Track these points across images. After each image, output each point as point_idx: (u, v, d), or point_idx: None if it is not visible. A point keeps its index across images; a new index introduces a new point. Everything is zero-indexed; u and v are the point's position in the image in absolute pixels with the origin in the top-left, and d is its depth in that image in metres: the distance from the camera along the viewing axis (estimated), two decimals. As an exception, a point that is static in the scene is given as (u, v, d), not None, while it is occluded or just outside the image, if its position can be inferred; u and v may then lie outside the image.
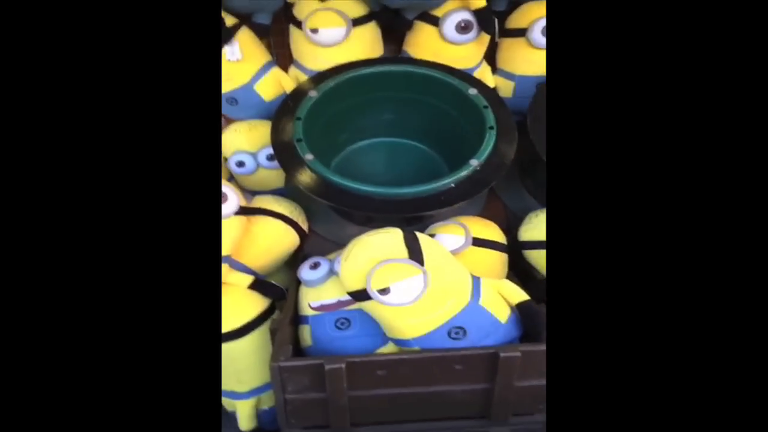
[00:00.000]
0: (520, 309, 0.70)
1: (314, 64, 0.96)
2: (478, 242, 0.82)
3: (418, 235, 0.69)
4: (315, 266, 0.76)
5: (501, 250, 0.85)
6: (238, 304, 0.75)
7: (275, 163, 0.95)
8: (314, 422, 0.66)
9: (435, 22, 0.92)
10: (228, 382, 0.77)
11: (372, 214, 0.80)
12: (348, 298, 0.70)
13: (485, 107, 0.84)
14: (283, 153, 0.83)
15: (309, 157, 0.80)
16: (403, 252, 0.65)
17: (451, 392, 0.65)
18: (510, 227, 0.90)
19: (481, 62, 0.98)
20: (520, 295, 0.70)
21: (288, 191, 0.98)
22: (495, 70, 1.01)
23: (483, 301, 0.66)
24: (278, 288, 0.80)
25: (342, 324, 0.71)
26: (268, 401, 0.79)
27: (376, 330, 0.70)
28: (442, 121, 0.93)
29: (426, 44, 0.95)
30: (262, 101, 1.00)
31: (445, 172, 0.81)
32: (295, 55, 1.00)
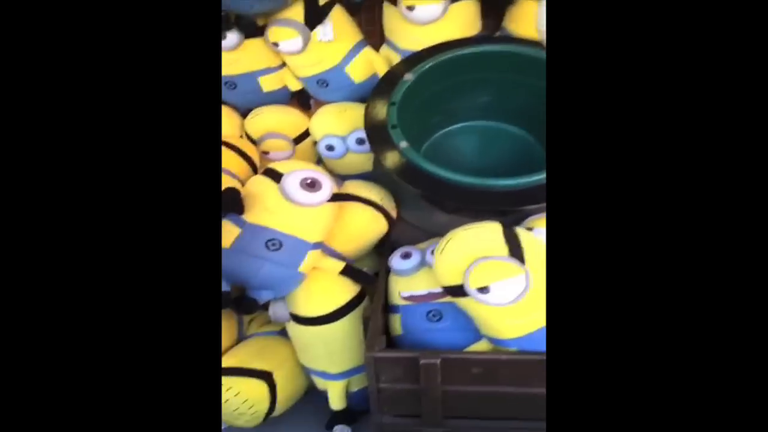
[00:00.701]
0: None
1: (408, 44, 0.95)
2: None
3: (517, 229, 0.68)
4: (406, 256, 0.78)
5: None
6: (331, 289, 0.80)
7: (364, 147, 0.97)
8: (405, 411, 0.70)
9: (539, -4, 0.87)
10: (320, 363, 0.83)
11: (464, 206, 0.79)
12: (439, 290, 0.71)
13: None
14: (376, 138, 0.84)
15: (404, 144, 0.81)
16: (503, 248, 0.65)
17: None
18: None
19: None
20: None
21: (376, 176, 1.00)
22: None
23: (589, 305, 0.64)
24: (368, 275, 0.83)
25: (434, 316, 0.73)
26: (357, 383, 0.84)
27: (468, 325, 0.70)
28: (542, 104, 0.89)
29: (529, 20, 0.90)
30: (352, 83, 1.02)
31: (543, 158, 0.78)
32: (388, 33, 1.00)
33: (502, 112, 0.97)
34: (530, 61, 0.86)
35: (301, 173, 0.78)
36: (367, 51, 1.01)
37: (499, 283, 0.62)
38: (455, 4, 0.91)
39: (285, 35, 0.94)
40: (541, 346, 0.64)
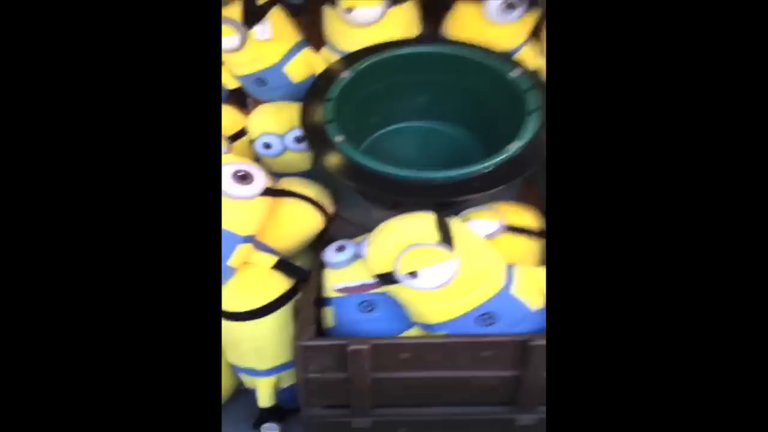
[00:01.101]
0: (554, 300, 0.70)
1: (348, 45, 0.98)
2: (513, 228, 0.83)
3: (450, 219, 0.71)
4: (340, 249, 0.78)
5: (537, 237, 0.85)
6: (261, 283, 0.79)
7: (302, 145, 0.98)
8: (335, 401, 0.69)
9: (478, 0, 0.93)
10: (249, 360, 0.80)
11: (402, 199, 0.81)
12: (372, 281, 0.72)
13: (527, 90, 0.85)
14: (313, 135, 0.86)
15: (339, 138, 0.82)
16: (435, 236, 0.67)
17: (477, 378, 0.66)
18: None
19: (525, 42, 0.98)
20: (554, 284, 0.71)
21: (314, 174, 1.01)
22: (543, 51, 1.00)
23: (515, 289, 0.67)
24: (302, 269, 0.83)
25: (366, 307, 0.73)
26: (288, 380, 0.82)
27: (400, 314, 0.71)
28: (480, 104, 0.94)
29: (467, 24, 0.96)
30: (291, 82, 1.04)
31: (480, 157, 0.82)
32: (328, 35, 1.03)
33: (439, 112, 1.01)
34: (465, 62, 0.92)
35: (233, 166, 0.78)
36: (307, 51, 1.04)
37: (427, 268, 0.64)
38: (394, 7, 0.95)
39: (222, 33, 0.94)
40: (469, 329, 0.66)
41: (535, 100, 0.84)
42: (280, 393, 0.83)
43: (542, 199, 1.00)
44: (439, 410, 0.70)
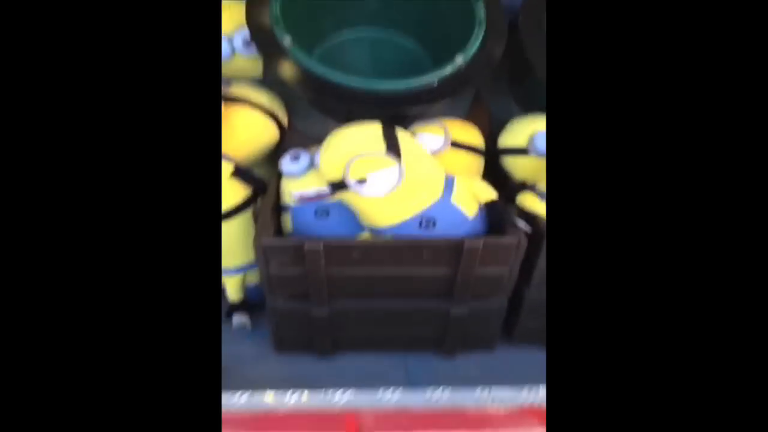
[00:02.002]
0: (487, 207, 0.80)
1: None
2: (457, 144, 0.89)
3: (397, 130, 0.76)
4: (295, 158, 0.83)
5: (478, 154, 0.93)
6: (222, 189, 0.83)
7: (252, 49, 0.96)
8: (295, 293, 0.78)
9: None
10: (214, 262, 0.88)
11: (352, 107, 0.84)
12: (326, 190, 0.78)
13: (476, 0, 0.86)
14: (261, 37, 0.83)
15: (287, 41, 0.81)
16: (381, 145, 0.72)
17: (418, 275, 0.77)
18: (493, 133, 0.97)
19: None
20: (490, 193, 0.80)
21: (267, 83, 1.01)
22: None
23: (454, 197, 0.76)
24: (259, 179, 0.88)
25: (321, 214, 0.80)
26: (253, 278, 0.91)
27: (352, 220, 0.79)
28: (432, 13, 0.94)
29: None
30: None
31: (430, 69, 0.85)
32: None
33: (392, 19, 1.00)
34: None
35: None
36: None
37: (374, 173, 0.70)
38: None
39: None
40: (413, 232, 0.75)
41: (483, 12, 0.85)
42: (246, 290, 0.92)
43: (492, 116, 1.06)
44: (387, 301, 0.81)
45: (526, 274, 0.81)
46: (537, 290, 0.83)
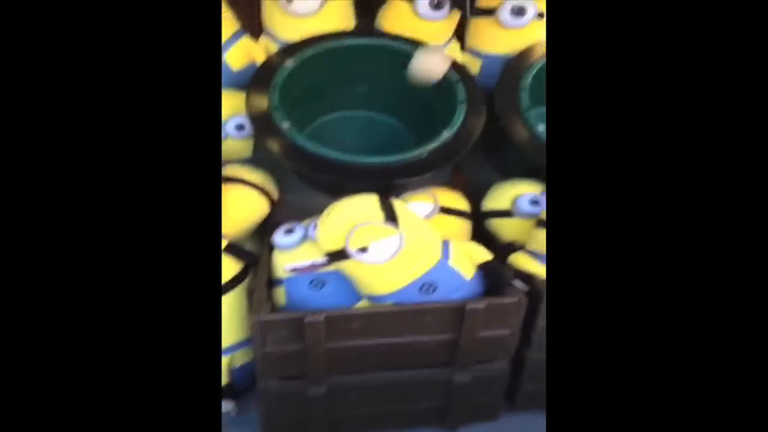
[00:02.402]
0: (484, 268, 0.79)
1: (287, 34, 0.99)
2: (445, 210, 0.91)
3: (392, 200, 0.77)
4: (289, 231, 0.81)
5: (466, 218, 0.94)
6: (214, 267, 0.80)
7: (243, 132, 0.98)
8: (290, 372, 0.73)
9: (409, -2, 0.98)
10: (203, 343, 0.81)
11: (346, 182, 0.85)
12: (321, 260, 0.76)
13: (457, 82, 0.92)
14: (258, 123, 0.87)
15: (286, 125, 0.84)
16: (380, 215, 0.72)
17: (420, 342, 0.73)
18: (472, 198, 0.99)
19: (451, 39, 1.06)
20: (484, 255, 0.80)
21: (257, 161, 1.02)
22: (464, 48, 1.09)
23: (451, 261, 0.75)
24: (251, 253, 0.85)
25: (316, 285, 0.77)
26: (240, 359, 0.84)
27: (349, 289, 0.76)
28: (414, 95, 1.00)
29: (399, 19, 1.01)
30: (230, 71, 1.02)
31: (412, 145, 0.88)
32: (268, 24, 1.03)
33: (378, 102, 1.06)
34: (403, 55, 0.97)
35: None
36: (246, 40, 1.03)
37: (376, 243, 0.69)
38: (331, 1, 0.98)
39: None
40: (413, 298, 0.73)
41: (463, 92, 0.91)
42: (233, 372, 0.84)
43: (470, 184, 1.09)
44: (387, 375, 0.76)
45: (526, 335, 0.79)
46: (538, 352, 0.80)
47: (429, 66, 0.90)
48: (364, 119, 1.08)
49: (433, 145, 0.86)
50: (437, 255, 0.74)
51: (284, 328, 0.68)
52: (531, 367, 0.82)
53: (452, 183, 1.07)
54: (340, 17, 1.01)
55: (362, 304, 0.77)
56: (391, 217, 0.72)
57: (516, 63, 0.98)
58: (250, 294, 0.79)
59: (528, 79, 0.95)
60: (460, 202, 0.96)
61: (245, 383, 0.85)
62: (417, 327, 0.72)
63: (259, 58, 1.01)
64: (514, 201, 0.95)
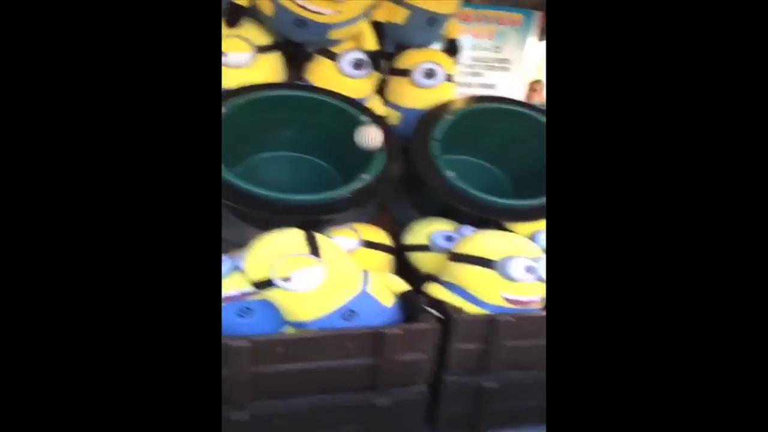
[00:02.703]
0: (402, 297, 0.85)
1: (223, 83, 1.05)
2: (368, 244, 0.97)
3: (316, 234, 0.82)
4: (219, 264, 0.83)
5: (388, 252, 1.01)
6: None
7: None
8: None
9: (333, 57, 1.09)
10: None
11: (275, 218, 0.89)
12: (249, 290, 0.78)
13: (376, 131, 1.02)
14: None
15: (216, 163, 0.88)
16: (304, 247, 0.77)
17: (343, 366, 0.77)
18: (396, 235, 1.07)
19: (372, 94, 1.17)
20: (402, 285, 0.86)
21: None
22: (386, 101, 1.20)
23: (371, 289, 0.80)
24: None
25: (244, 312, 0.79)
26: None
27: (275, 317, 0.79)
28: (336, 141, 1.08)
29: (324, 75, 1.11)
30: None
31: (337, 184, 0.96)
32: (202, 72, 1.08)
33: (305, 146, 1.13)
34: (326, 106, 1.06)
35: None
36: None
37: (299, 272, 0.73)
38: (262, 55, 1.05)
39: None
40: (336, 324, 0.76)
41: None
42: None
43: (394, 222, 1.18)
44: (312, 399, 0.78)
45: (442, 359, 0.84)
46: (454, 374, 0.86)
47: (369, 138, 0.99)
48: (294, 160, 1.14)
49: (354, 186, 0.93)
50: (358, 285, 0.80)
51: (209, 357, 0.69)
52: (449, 390, 0.87)
53: (378, 221, 1.15)
54: (271, 70, 1.09)
55: (288, 330, 0.80)
56: (314, 249, 0.77)
57: (428, 117, 1.11)
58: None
59: (438, 131, 1.07)
60: (382, 237, 1.03)
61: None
62: (339, 352, 0.75)
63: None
64: (430, 237, 1.03)
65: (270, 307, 0.78)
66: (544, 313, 0.86)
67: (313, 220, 0.92)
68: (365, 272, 0.83)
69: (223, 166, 0.88)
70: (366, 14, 1.05)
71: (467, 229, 0.99)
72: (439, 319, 0.82)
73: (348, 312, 0.78)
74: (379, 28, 1.11)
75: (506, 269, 0.83)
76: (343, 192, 0.92)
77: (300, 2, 0.94)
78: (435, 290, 0.93)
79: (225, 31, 1.02)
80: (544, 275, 0.84)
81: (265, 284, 0.74)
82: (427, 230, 1.05)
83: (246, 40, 1.03)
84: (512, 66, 1.25)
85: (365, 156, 1.00)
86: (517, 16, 1.17)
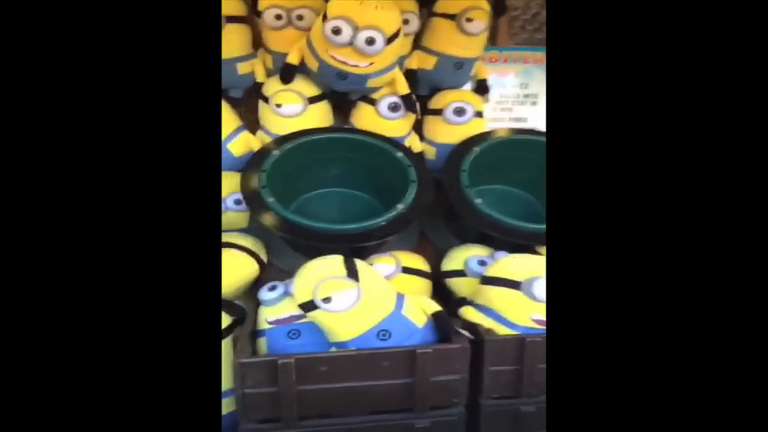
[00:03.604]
0: (434, 318, 0.85)
1: (278, 130, 1.14)
2: (407, 270, 0.99)
3: (355, 260, 0.85)
4: (272, 288, 0.89)
5: (425, 277, 1.02)
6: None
7: (241, 206, 1.10)
8: (267, 415, 0.76)
9: (372, 102, 1.15)
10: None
11: (322, 246, 0.95)
12: (299, 313, 0.83)
13: (408, 166, 1.06)
14: (250, 198, 0.99)
15: (271, 199, 0.95)
16: (343, 272, 0.80)
17: (380, 386, 0.77)
18: (436, 261, 1.08)
19: (410, 132, 1.21)
20: (434, 306, 0.86)
21: (251, 230, 1.12)
22: (422, 138, 1.24)
23: (404, 310, 0.82)
24: (239, 306, 0.91)
25: (293, 334, 0.83)
26: (227, 407, 0.87)
27: (322, 339, 0.82)
28: (379, 176, 1.13)
29: (366, 119, 1.17)
30: (232, 157, 1.16)
31: (381, 215, 0.98)
32: (262, 122, 1.18)
33: (349, 181, 1.19)
34: (366, 145, 1.11)
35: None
36: (246, 133, 1.18)
37: (337, 294, 0.77)
38: (313, 105, 1.14)
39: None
40: (372, 344, 0.78)
41: (414, 173, 1.04)
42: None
43: (436, 248, 1.19)
44: (354, 419, 0.79)
45: (476, 382, 0.82)
46: (489, 398, 0.83)
47: None
48: (341, 195, 1.20)
49: (390, 216, 0.96)
50: (391, 305, 0.81)
51: (260, 370, 0.73)
52: (485, 413, 0.83)
53: (419, 249, 1.17)
54: (319, 117, 1.17)
55: (332, 351, 0.83)
56: (352, 273, 0.80)
57: (458, 149, 1.13)
58: (235, 343, 0.84)
59: (467, 163, 1.08)
60: (420, 263, 1.04)
61: (231, 429, 0.87)
62: (376, 370, 0.76)
63: (255, 148, 1.15)
64: (466, 262, 1.03)
65: (316, 329, 0.82)
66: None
67: (357, 248, 0.96)
68: (400, 294, 0.85)
69: (275, 201, 0.96)
70: (398, 63, 1.10)
71: (501, 255, 0.98)
72: (470, 340, 0.81)
73: (382, 332, 0.79)
74: (412, 74, 1.17)
75: (531, 290, 0.81)
76: (379, 221, 0.95)
77: (341, 59, 1.01)
78: (469, 313, 0.92)
79: (279, 85, 1.11)
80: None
81: (309, 306, 0.78)
82: (463, 256, 1.05)
83: (298, 92, 1.12)
84: (539, 100, 1.25)
85: (402, 188, 1.04)
86: (539, 54, 1.17)
